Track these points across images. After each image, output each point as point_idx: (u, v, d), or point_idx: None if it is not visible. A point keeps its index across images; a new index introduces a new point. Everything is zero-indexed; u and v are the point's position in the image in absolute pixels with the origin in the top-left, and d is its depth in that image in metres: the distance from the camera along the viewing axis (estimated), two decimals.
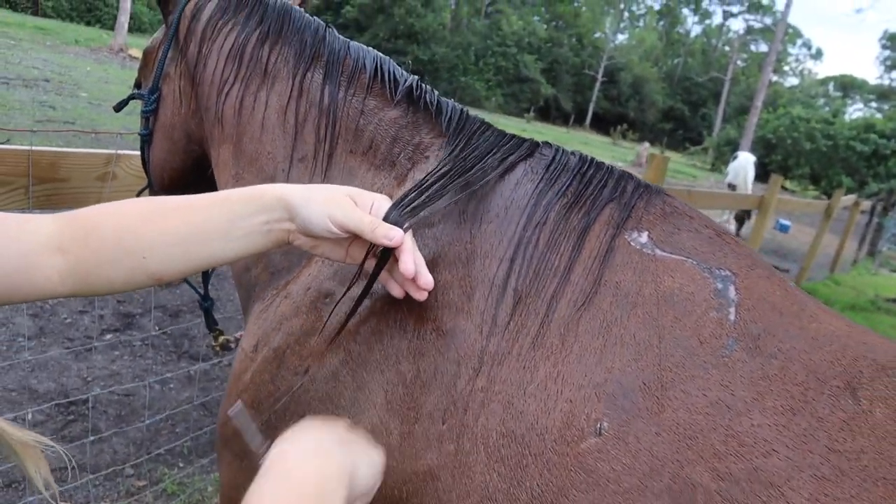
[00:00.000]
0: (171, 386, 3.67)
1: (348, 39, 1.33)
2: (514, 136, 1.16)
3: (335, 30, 1.36)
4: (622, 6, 74.63)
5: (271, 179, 1.28)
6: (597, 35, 71.76)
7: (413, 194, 1.00)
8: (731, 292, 0.89)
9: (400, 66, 1.32)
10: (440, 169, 1.06)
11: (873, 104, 76.44)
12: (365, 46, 1.32)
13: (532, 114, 53.79)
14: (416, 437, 0.93)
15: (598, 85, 67.20)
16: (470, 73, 59.31)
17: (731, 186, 15.03)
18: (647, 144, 28.95)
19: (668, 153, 47.44)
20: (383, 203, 0.97)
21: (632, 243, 0.96)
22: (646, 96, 68.64)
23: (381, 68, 1.27)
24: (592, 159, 1.10)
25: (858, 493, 0.68)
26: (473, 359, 0.92)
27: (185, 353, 4.07)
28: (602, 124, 65.17)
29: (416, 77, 1.28)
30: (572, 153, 1.12)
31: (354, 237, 0.98)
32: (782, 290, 0.91)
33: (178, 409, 3.45)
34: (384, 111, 1.23)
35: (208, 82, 1.38)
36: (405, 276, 0.93)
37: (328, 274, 1.12)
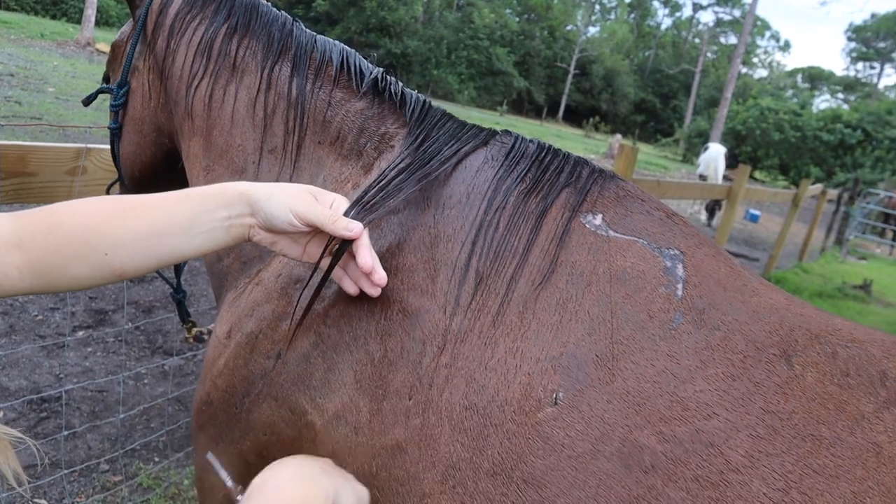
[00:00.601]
0: (146, 381, 3.67)
1: (315, 33, 1.36)
2: (474, 125, 1.20)
3: (302, 24, 1.39)
4: None
5: (242, 171, 1.31)
6: (569, 28, 72.01)
7: (372, 191, 1.04)
8: (679, 270, 0.94)
9: (366, 59, 1.35)
10: (399, 163, 1.11)
11: (840, 95, 77.64)
12: (331, 40, 1.35)
13: (505, 107, 53.97)
14: (385, 414, 0.96)
15: (570, 77, 67.51)
16: (442, 67, 59.27)
17: (703, 177, 15.26)
18: (619, 136, 29.22)
19: (640, 145, 47.82)
20: (342, 202, 1.01)
21: (587, 225, 1.01)
22: (618, 88, 69.06)
23: (348, 61, 1.30)
24: (550, 146, 1.14)
25: (788, 449, 0.74)
26: (438, 337, 0.96)
27: (158, 349, 4.07)
28: (575, 117, 65.53)
29: (382, 69, 1.31)
30: (531, 141, 1.16)
31: (313, 234, 1.02)
32: (727, 266, 0.97)
33: (152, 403, 3.45)
34: (351, 103, 1.26)
35: (177, 76, 1.40)
36: (362, 271, 0.97)
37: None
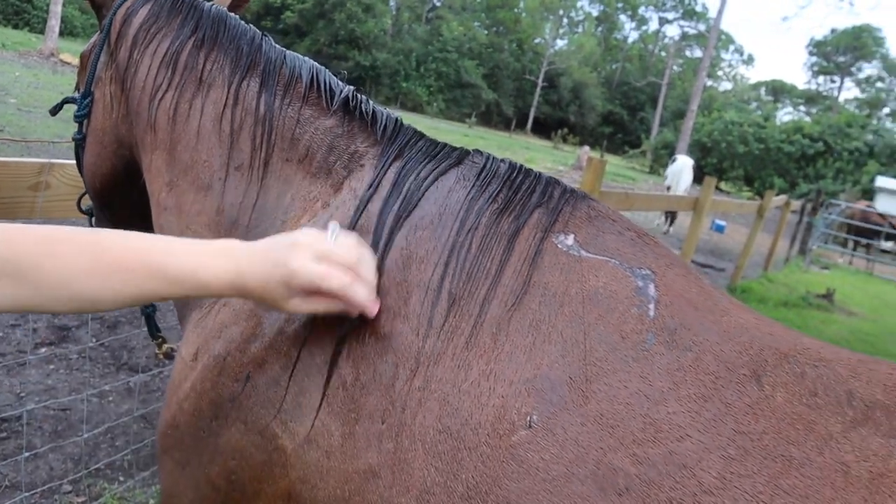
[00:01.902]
0: (111, 398, 3.60)
1: (284, 49, 1.35)
2: (445, 144, 1.19)
3: (271, 38, 1.37)
4: (561, 12, 75.72)
5: (207, 188, 1.29)
6: (537, 41, 72.69)
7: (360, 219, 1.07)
8: (651, 290, 0.95)
9: (336, 75, 1.34)
10: (374, 189, 1.11)
11: (802, 108, 79.40)
12: (301, 56, 1.34)
13: (474, 119, 54.12)
14: (357, 438, 0.95)
15: (538, 90, 68.05)
16: (411, 79, 59.46)
17: (670, 189, 15.49)
18: (587, 148, 29.44)
19: (608, 156, 48.32)
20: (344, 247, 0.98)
21: (559, 245, 1.01)
22: (585, 101, 69.78)
23: (317, 78, 1.29)
24: (521, 166, 1.14)
25: (759, 470, 0.74)
26: (410, 360, 0.95)
27: (124, 365, 3.99)
28: (543, 129, 65.94)
29: (352, 87, 1.30)
30: (502, 160, 1.16)
31: None
32: (697, 286, 0.97)
33: (117, 421, 3.38)
34: (320, 120, 1.25)
35: (140, 87, 1.37)
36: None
37: None
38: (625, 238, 1.03)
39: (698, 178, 9.77)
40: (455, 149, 1.19)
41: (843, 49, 72.48)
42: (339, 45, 56.92)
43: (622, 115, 72.21)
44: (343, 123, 1.24)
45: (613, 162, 46.46)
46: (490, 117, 64.92)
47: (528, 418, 0.86)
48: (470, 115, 56.26)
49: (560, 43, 76.79)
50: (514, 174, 1.12)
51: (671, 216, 15.11)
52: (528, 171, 1.14)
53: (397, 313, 0.99)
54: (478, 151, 1.19)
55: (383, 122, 1.23)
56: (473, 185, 1.10)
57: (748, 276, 10.80)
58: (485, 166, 1.14)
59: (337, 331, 1.02)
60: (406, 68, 60.04)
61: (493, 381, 0.90)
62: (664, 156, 40.87)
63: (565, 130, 55.51)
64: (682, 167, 15.69)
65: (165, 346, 1.77)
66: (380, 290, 1.02)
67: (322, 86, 1.28)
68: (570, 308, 0.93)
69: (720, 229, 17.50)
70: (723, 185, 37.75)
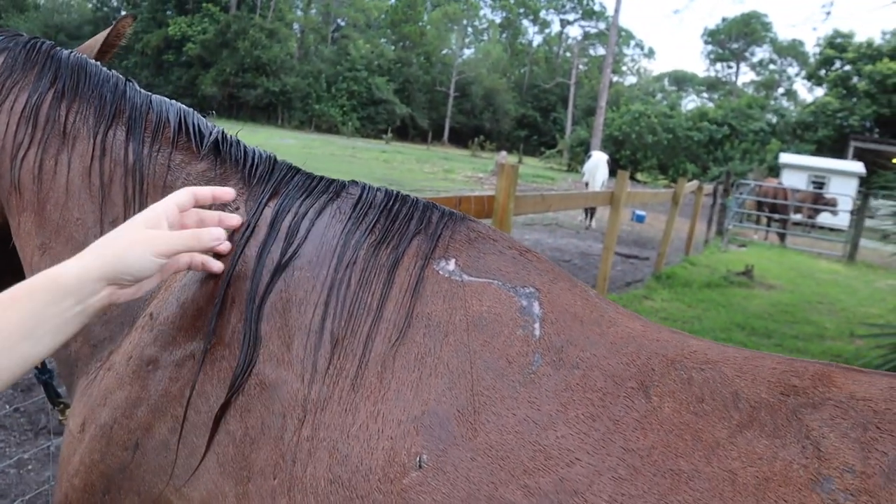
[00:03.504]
0: (30, 467, 3.41)
1: (150, 93, 1.30)
2: (322, 177, 1.16)
3: (136, 83, 1.32)
4: (465, 22, 76.71)
5: (83, 247, 1.22)
6: (444, 52, 73.39)
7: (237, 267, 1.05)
8: (536, 308, 0.93)
9: (205, 116, 1.30)
10: (252, 232, 1.08)
11: (705, 95, 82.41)
12: (168, 99, 1.30)
13: (390, 135, 54.27)
14: (251, 497, 0.91)
15: (451, 100, 68.65)
16: (323, 101, 59.19)
17: (588, 185, 15.85)
18: (504, 153, 29.81)
19: (526, 159, 49.07)
20: (177, 198, 1.03)
21: (440, 272, 0.99)
22: (498, 107, 70.70)
23: (186, 121, 1.25)
24: (398, 193, 1.12)
25: (650, 488, 0.73)
26: (297, 408, 0.92)
27: (42, 429, 3.79)
28: (460, 138, 66.53)
29: (221, 129, 1.26)
30: (378, 189, 1.14)
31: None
32: (583, 299, 0.96)
33: (38, 490, 3.20)
34: (191, 165, 1.21)
35: None
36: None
37: (148, 340, 1.08)
38: (506, 257, 1.01)
39: (614, 171, 10.03)
40: (332, 181, 1.16)
41: (735, 36, 75.70)
42: (245, 74, 56.22)
43: (535, 118, 73.44)
44: (215, 166, 1.20)
45: (531, 164, 47.24)
46: (406, 132, 65.15)
47: (418, 458, 0.83)
48: (386, 131, 56.36)
49: (467, 52, 77.80)
50: (391, 202, 1.10)
51: (590, 211, 15.45)
52: (405, 197, 1.11)
53: (281, 360, 0.96)
54: (354, 182, 1.16)
55: (255, 162, 1.20)
56: (350, 218, 1.07)
57: (671, 262, 11.10)
58: (360, 197, 1.11)
59: (220, 383, 0.98)
60: (317, 90, 59.71)
61: (381, 422, 0.87)
62: (580, 153, 41.80)
63: (482, 138, 56.05)
64: (597, 163, 16.08)
65: (68, 411, 1.67)
66: (261, 338, 0.98)
67: (192, 129, 1.24)
68: (454, 337, 0.91)
69: (640, 220, 17.96)
70: (639, 176, 38.86)
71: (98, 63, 1.34)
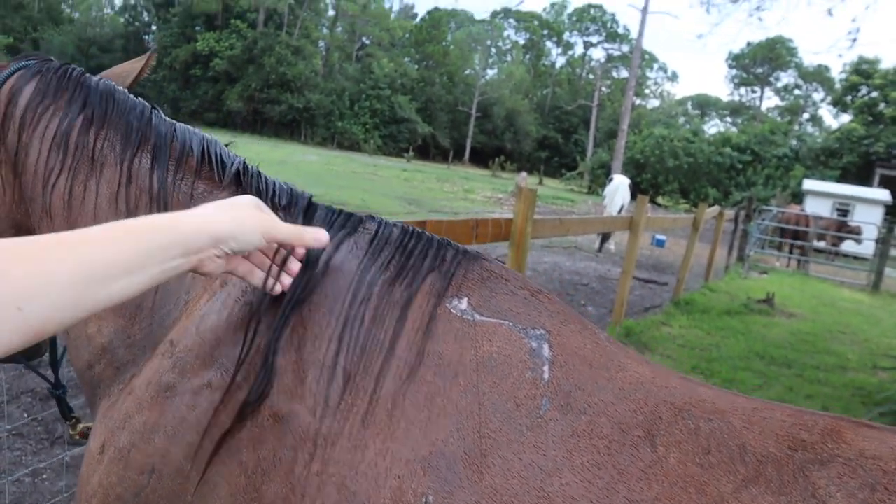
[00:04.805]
0: (45, 476, 3.44)
1: (175, 121, 1.32)
2: (340, 211, 1.18)
3: (161, 111, 1.34)
4: (489, 42, 77.15)
5: None
6: (467, 72, 73.83)
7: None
8: (545, 350, 0.93)
9: (227, 146, 1.32)
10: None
11: (728, 119, 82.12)
12: (191, 128, 1.32)
13: (411, 153, 54.51)
14: None
15: (472, 120, 68.94)
16: (346, 118, 59.67)
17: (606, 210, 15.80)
18: (524, 174, 29.85)
19: (546, 180, 49.04)
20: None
21: (452, 311, 1.00)
22: (520, 127, 70.87)
23: (209, 150, 1.27)
24: (413, 230, 1.13)
25: None
26: (308, 442, 0.93)
27: (59, 439, 3.82)
28: (481, 157, 66.68)
29: (242, 159, 1.28)
30: (394, 225, 1.15)
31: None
32: (593, 342, 0.97)
33: (52, 501, 3.23)
34: (214, 194, 1.22)
35: (32, 172, 1.32)
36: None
37: (168, 366, 1.10)
38: (518, 298, 1.02)
39: (636, 194, 10.00)
40: (350, 215, 1.17)
41: (760, 60, 75.41)
42: (270, 90, 56.91)
43: (557, 139, 73.50)
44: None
45: (552, 185, 47.20)
46: (427, 150, 65.48)
47: (424, 499, 0.83)
48: (407, 149, 56.63)
49: (490, 73, 78.18)
50: (407, 239, 1.11)
51: (605, 236, 15.36)
52: (421, 234, 1.13)
53: (294, 393, 0.97)
54: (371, 217, 1.18)
55: (276, 193, 1.21)
56: (366, 254, 1.08)
57: (691, 288, 11.00)
58: (377, 233, 1.12)
59: (235, 413, 0.99)
60: (340, 107, 60.25)
61: (389, 460, 0.88)
62: (601, 175, 41.75)
63: (502, 158, 56.07)
64: (617, 186, 16.00)
65: (80, 426, 1.70)
66: (277, 371, 0.99)
67: (213, 158, 1.26)
68: (464, 377, 0.92)
69: (661, 244, 17.83)
70: (660, 200, 38.67)
71: (125, 90, 1.37)
